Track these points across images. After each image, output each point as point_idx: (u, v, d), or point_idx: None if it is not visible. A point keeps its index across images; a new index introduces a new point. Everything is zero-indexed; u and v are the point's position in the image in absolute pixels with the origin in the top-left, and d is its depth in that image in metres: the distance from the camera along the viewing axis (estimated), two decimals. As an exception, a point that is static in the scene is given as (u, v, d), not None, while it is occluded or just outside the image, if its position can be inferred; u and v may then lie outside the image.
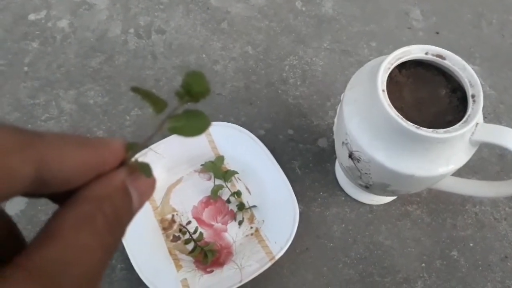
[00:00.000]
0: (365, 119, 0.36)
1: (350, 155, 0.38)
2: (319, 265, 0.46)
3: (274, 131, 0.53)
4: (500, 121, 0.55)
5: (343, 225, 0.48)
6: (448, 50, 0.36)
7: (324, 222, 0.48)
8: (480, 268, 0.46)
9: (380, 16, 0.64)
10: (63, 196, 0.15)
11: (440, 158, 0.34)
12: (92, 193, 0.15)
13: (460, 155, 0.35)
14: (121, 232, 0.15)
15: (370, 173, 0.38)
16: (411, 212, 0.49)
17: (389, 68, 0.35)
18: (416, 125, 0.33)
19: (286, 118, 0.54)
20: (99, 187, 0.15)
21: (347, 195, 0.49)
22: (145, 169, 0.17)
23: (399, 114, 0.33)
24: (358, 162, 0.38)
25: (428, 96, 0.37)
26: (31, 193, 0.14)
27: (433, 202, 0.49)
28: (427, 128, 0.33)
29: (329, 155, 0.52)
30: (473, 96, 0.34)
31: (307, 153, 0.52)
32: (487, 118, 0.55)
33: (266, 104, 0.55)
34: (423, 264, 0.46)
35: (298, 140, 0.53)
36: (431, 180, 0.37)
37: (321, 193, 0.50)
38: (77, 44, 0.59)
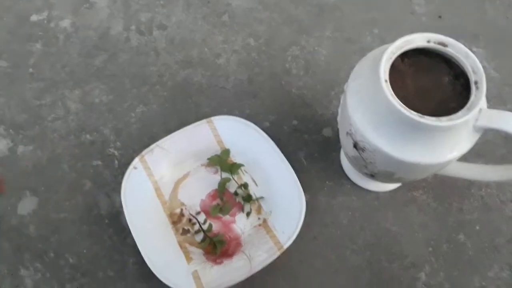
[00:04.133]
0: (368, 110, 0.36)
1: (355, 145, 0.39)
2: (327, 253, 0.47)
3: (279, 123, 0.54)
4: (505, 104, 0.55)
5: (350, 213, 0.49)
6: (451, 33, 0.36)
7: (331, 211, 0.49)
8: (487, 250, 0.46)
9: (382, 3, 0.63)
10: None
11: (444, 145, 0.35)
12: None
13: (464, 142, 0.35)
14: None
15: (375, 162, 0.38)
16: (417, 197, 0.49)
17: (391, 58, 0.35)
18: (419, 114, 0.33)
19: (290, 109, 0.55)
20: None
21: (353, 183, 0.50)
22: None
23: (402, 104, 0.33)
24: (363, 151, 0.38)
25: (431, 84, 0.37)
26: None
27: (439, 187, 0.50)
28: (430, 116, 0.33)
29: (334, 144, 0.52)
30: (476, 83, 0.34)
31: (312, 143, 0.52)
32: (491, 102, 0.55)
33: (270, 96, 0.56)
34: (430, 249, 0.47)
35: (303, 131, 0.53)
36: (436, 167, 0.37)
37: (327, 182, 0.50)
38: (80, 43, 0.60)
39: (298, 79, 0.57)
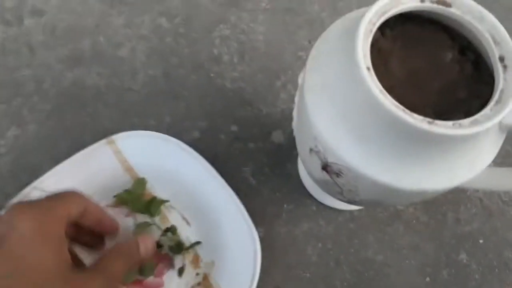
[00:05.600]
0: (342, 115, 0.23)
1: (325, 168, 0.26)
2: (297, 307, 0.34)
3: (213, 131, 0.40)
4: None
5: (320, 245, 0.36)
6: None
7: (295, 245, 0.36)
8: (497, 269, 0.36)
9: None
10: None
11: (463, 160, 0.23)
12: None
13: (489, 150, 0.24)
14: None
15: (357, 190, 0.26)
16: (402, 211, 0.38)
17: (371, 31, 0.22)
18: (427, 119, 0.20)
19: (226, 110, 0.41)
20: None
21: (318, 202, 0.38)
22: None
23: (397, 104, 0.21)
24: (337, 176, 0.25)
25: (428, 64, 0.25)
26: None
27: (427, 193, 0.38)
28: (434, 116, 0.21)
29: (289, 151, 0.39)
30: (502, 59, 0.22)
31: (259, 153, 0.39)
32: None
33: (197, 95, 0.41)
34: (428, 279, 0.36)
35: (245, 138, 0.40)
36: (447, 190, 0.25)
37: (285, 205, 0.37)
38: None
39: (231, 69, 0.43)
